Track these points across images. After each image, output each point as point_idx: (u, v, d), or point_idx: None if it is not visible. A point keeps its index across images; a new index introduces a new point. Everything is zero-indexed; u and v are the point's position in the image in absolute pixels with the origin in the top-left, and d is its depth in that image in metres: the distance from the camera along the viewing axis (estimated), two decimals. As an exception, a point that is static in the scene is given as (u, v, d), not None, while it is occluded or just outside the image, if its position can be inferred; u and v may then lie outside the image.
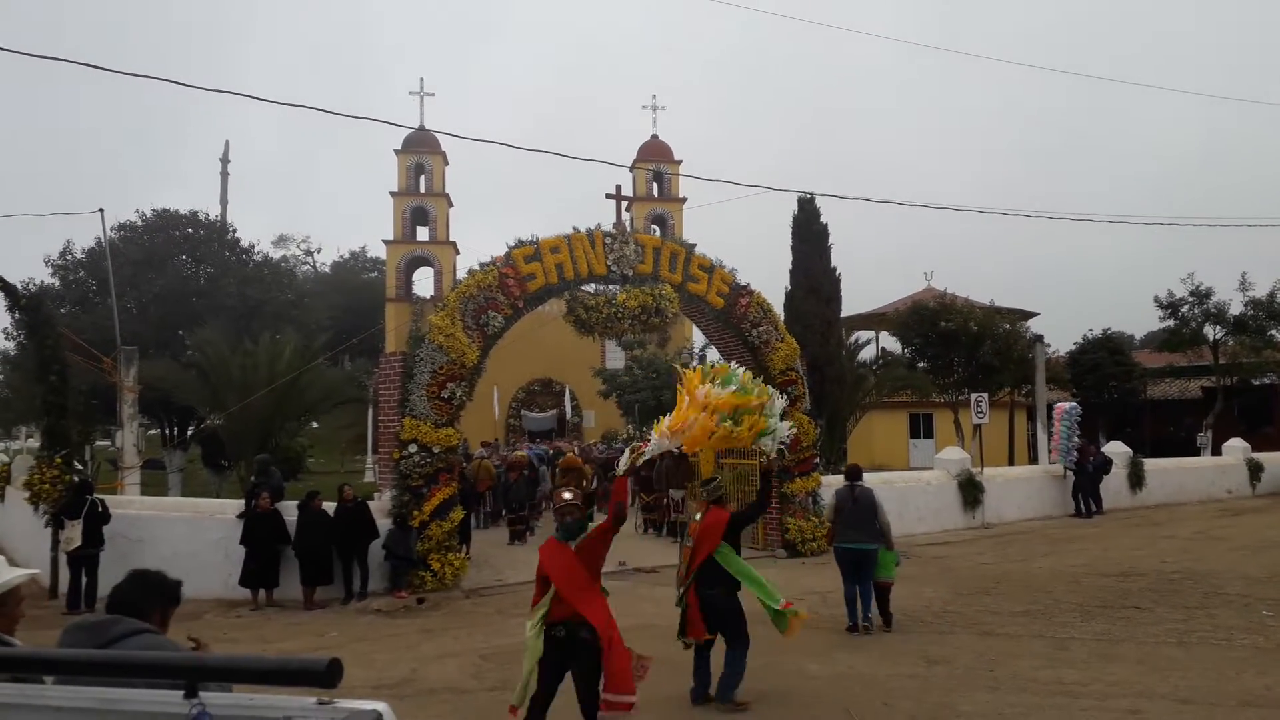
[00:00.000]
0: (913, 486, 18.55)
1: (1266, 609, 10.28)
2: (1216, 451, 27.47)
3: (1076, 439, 20.94)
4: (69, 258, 32.38)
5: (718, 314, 15.33)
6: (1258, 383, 33.33)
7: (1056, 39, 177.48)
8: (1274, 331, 30.13)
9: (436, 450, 12.58)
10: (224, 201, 53.37)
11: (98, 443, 28.06)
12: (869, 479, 17.44)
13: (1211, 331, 30.86)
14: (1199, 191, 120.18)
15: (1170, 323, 31.34)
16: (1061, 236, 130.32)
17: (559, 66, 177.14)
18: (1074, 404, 21.57)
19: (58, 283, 31.94)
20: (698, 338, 32.07)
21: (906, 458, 32.67)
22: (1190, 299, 30.56)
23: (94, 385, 19.57)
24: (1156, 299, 31.26)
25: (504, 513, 18.42)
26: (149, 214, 34.12)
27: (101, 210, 18.65)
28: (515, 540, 17.09)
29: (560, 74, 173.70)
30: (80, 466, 13.68)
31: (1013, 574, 13.26)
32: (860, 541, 9.62)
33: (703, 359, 30.45)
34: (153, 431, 32.31)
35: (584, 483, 18.32)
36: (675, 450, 6.63)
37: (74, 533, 11.89)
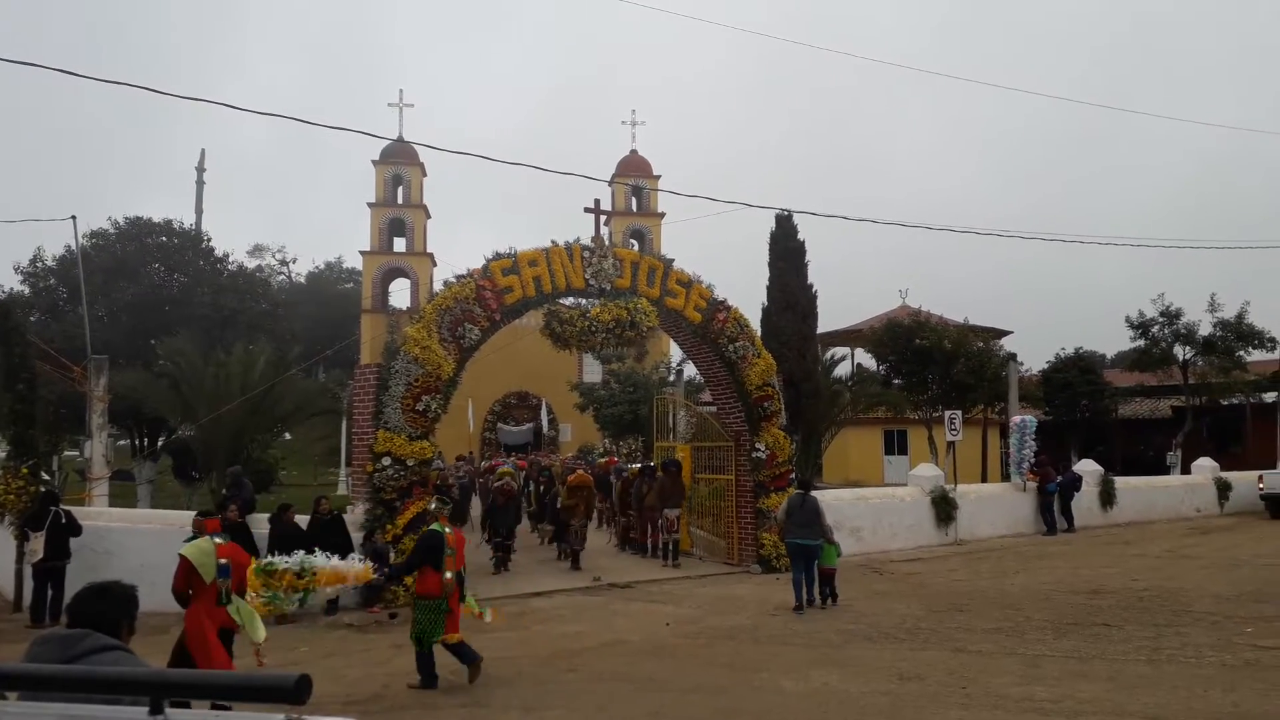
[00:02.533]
0: (887, 503, 18.63)
1: (1250, 628, 10.36)
2: (1186, 470, 27.81)
3: (1029, 451, 21.13)
4: (39, 265, 31.98)
5: (695, 329, 15.36)
6: (1226, 403, 33.78)
7: (1040, 60, 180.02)
8: (1242, 353, 30.57)
9: (411, 463, 12.50)
10: (199, 210, 52.87)
11: (66, 453, 27.63)
12: (844, 494, 18.16)
13: (1181, 352, 31.25)
14: (1173, 213, 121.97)
15: (1141, 343, 31.70)
16: (1035, 255, 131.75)
17: (546, 71, 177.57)
18: (1027, 417, 21.74)
19: (27, 290, 31.53)
20: (675, 352, 32.11)
21: (881, 474, 32.83)
22: (1160, 319, 30.94)
23: (63, 394, 19.31)
24: (1128, 319, 31.66)
25: (488, 539, 16.27)
26: (122, 221, 33.81)
27: (74, 217, 18.51)
28: (501, 569, 15.38)
29: (548, 78, 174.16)
30: (47, 477, 13.46)
31: (985, 591, 13.33)
32: (808, 538, 11.94)
33: (680, 373, 30.52)
34: (122, 442, 31.90)
35: (594, 501, 17.01)
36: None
37: (37, 544, 11.69)
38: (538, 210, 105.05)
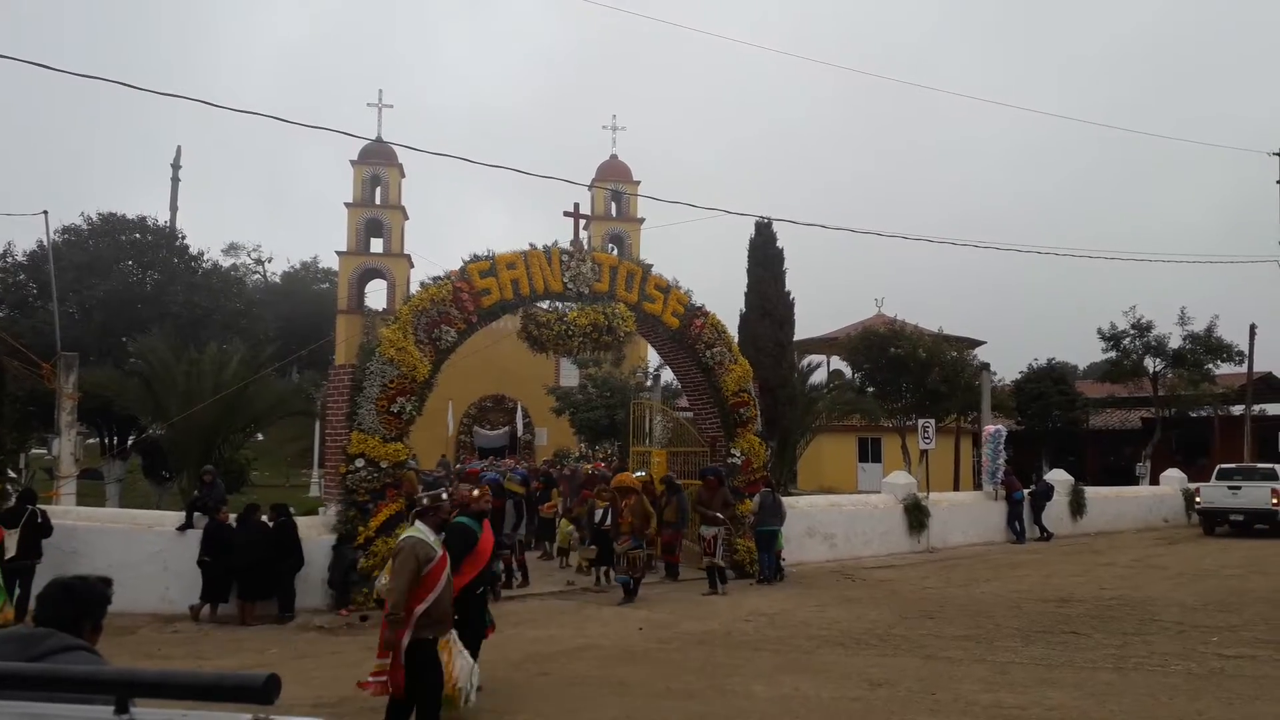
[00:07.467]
0: (860, 510, 18.73)
1: (1215, 637, 10.50)
2: (1154, 481, 28.15)
3: (1002, 461, 21.35)
4: (9, 260, 31.67)
5: (673, 334, 15.39)
6: (1195, 415, 34.24)
7: (1023, 73, 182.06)
8: (1211, 366, 31.02)
9: (384, 465, 12.41)
10: (174, 207, 52.41)
11: (33, 451, 27.31)
12: (818, 501, 18.60)
13: (1151, 364, 31.67)
14: (1150, 226, 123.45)
15: (1112, 354, 32.10)
16: (1008, 266, 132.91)
17: (529, 67, 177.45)
18: (999, 427, 21.98)
19: (-4, 285, 31.19)
20: (653, 358, 32.12)
21: (855, 481, 32.98)
22: (1132, 332, 31.35)
23: (31, 391, 19.06)
24: (1100, 331, 32.04)
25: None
26: (95, 217, 33.49)
27: (45, 212, 18.34)
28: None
29: (533, 76, 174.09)
30: (14, 475, 13.28)
31: (956, 598, 13.43)
32: (772, 525, 14.95)
33: (657, 379, 30.53)
34: (91, 440, 31.49)
35: (650, 517, 14.02)
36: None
37: (10, 542, 11.54)
38: (523, 197, 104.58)
